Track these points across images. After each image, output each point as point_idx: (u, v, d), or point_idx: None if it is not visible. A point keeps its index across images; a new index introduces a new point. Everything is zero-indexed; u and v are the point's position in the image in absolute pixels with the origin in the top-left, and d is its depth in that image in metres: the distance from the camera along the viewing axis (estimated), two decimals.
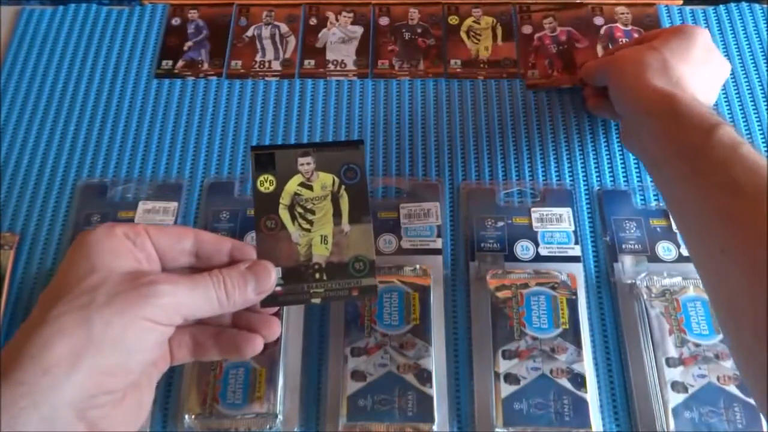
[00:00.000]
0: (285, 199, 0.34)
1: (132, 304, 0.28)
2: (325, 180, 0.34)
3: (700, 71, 0.45)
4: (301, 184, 0.34)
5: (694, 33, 0.46)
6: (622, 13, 0.59)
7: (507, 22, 0.59)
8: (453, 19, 0.60)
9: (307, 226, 0.34)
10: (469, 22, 0.59)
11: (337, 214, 0.34)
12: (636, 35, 0.58)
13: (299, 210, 0.34)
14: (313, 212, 0.34)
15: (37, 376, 0.26)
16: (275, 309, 0.36)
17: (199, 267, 0.33)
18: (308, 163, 0.34)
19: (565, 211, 0.49)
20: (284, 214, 0.34)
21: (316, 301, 0.33)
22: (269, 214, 0.34)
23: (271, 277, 0.33)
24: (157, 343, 0.30)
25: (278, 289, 0.33)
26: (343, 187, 0.34)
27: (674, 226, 0.48)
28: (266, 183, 0.34)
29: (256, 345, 0.34)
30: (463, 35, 0.58)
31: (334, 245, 0.34)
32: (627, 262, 0.47)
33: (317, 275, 0.34)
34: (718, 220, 0.34)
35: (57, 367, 0.26)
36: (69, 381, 0.26)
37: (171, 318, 0.30)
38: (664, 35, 0.46)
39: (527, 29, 0.59)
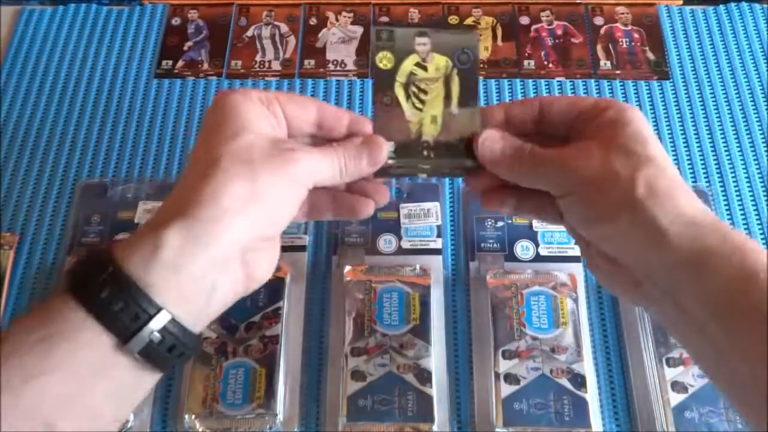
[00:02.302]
0: (401, 77, 0.35)
1: (283, 165, 0.30)
2: (439, 62, 0.35)
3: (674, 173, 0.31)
4: (417, 64, 0.35)
5: (642, 120, 0.32)
6: (622, 13, 0.59)
7: (507, 22, 0.59)
8: (453, 19, 0.60)
9: (420, 106, 0.35)
10: (469, 22, 0.59)
11: (447, 96, 0.35)
12: (636, 35, 0.58)
13: (413, 89, 0.35)
14: (425, 92, 0.35)
15: (218, 213, 0.28)
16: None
17: (320, 136, 0.35)
18: (424, 44, 0.35)
19: None
20: (399, 91, 0.35)
21: (423, 175, 0.36)
22: (385, 90, 0.35)
23: (383, 150, 0.34)
24: (300, 201, 0.32)
25: (390, 162, 0.35)
26: (455, 70, 0.35)
27: None
28: (384, 60, 0.35)
29: (369, 207, 0.36)
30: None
31: (443, 125, 0.35)
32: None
33: (425, 152, 0.35)
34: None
35: (233, 209, 0.29)
36: (243, 223, 0.29)
37: (309, 181, 0.32)
38: (623, 120, 0.32)
39: (524, 20, 0.59)
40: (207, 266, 0.28)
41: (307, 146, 0.33)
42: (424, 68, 0.35)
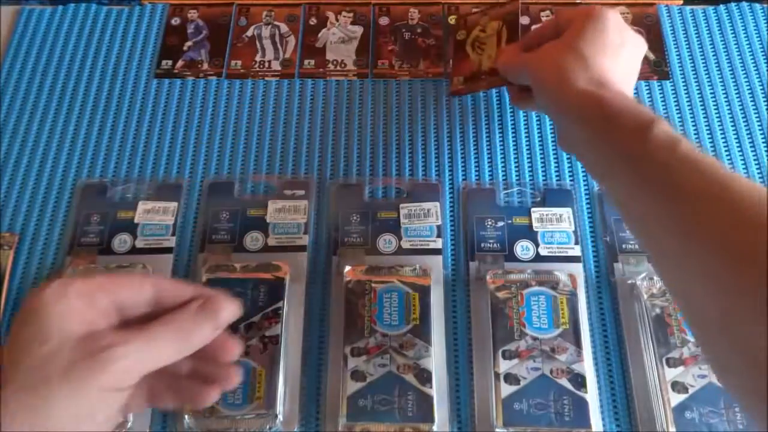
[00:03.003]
0: (469, 41, 0.54)
1: (88, 374, 0.27)
2: (493, 25, 0.52)
3: (619, 57, 0.42)
4: (480, 31, 0.53)
5: (604, 16, 0.42)
6: (622, 13, 0.59)
7: (513, 20, 0.58)
8: (453, 20, 0.59)
9: (480, 52, 0.52)
10: (475, 33, 0.58)
11: (498, 42, 0.51)
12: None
13: (477, 44, 0.53)
14: (484, 43, 0.52)
15: None
16: (235, 358, 0.35)
17: (160, 314, 0.32)
18: (485, 18, 0.54)
19: (565, 211, 0.49)
20: (469, 49, 0.53)
21: (483, 89, 0.54)
22: (461, 52, 0.53)
23: (227, 310, 0.33)
24: (118, 407, 0.29)
25: (462, 87, 0.52)
26: (504, 27, 0.52)
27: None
28: (461, 35, 0.54)
29: (212, 396, 0.34)
30: (469, 49, 0.57)
31: (493, 60, 0.51)
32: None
33: (483, 76, 0.51)
34: (664, 228, 0.33)
35: None
36: None
37: (130, 379, 0.29)
38: (575, 25, 0.43)
39: (525, 20, 0.59)
40: None
41: (129, 333, 0.30)
42: (484, 31, 0.53)
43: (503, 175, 0.51)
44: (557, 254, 0.47)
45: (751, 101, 0.55)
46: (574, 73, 0.40)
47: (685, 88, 0.56)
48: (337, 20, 0.60)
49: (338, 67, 0.57)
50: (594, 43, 0.41)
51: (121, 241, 0.48)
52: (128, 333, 0.30)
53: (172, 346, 0.31)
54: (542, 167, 0.52)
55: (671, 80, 0.56)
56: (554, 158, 0.52)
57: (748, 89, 0.55)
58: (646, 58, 0.57)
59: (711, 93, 0.55)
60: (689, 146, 0.34)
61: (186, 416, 0.41)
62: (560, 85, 0.40)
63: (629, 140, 0.35)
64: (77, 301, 0.30)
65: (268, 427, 0.41)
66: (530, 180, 0.51)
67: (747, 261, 0.28)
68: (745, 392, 0.29)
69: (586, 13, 0.43)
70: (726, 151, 0.52)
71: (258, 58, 0.58)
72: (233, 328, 0.43)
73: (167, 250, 0.48)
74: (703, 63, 0.57)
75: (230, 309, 0.33)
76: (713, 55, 0.57)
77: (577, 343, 0.42)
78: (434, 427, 0.41)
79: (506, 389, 0.41)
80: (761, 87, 0.55)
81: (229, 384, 0.35)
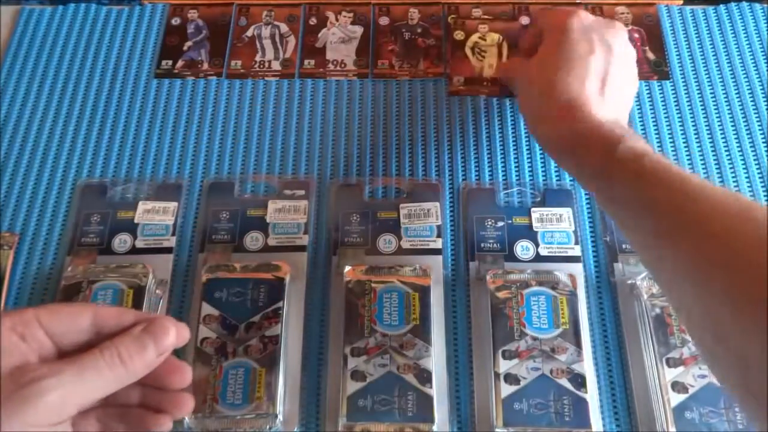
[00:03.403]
0: (469, 45, 0.57)
1: (16, 410, 0.26)
2: (493, 36, 0.58)
3: (588, 67, 0.41)
4: (480, 38, 0.57)
5: (568, 28, 0.42)
6: (622, 13, 0.59)
7: (513, 36, 0.58)
8: (453, 19, 0.59)
9: (480, 58, 0.57)
10: (474, 38, 0.58)
11: (500, 54, 0.57)
12: (636, 35, 0.58)
13: (477, 50, 0.57)
14: (485, 51, 0.57)
15: None
16: (185, 384, 0.35)
17: (101, 341, 0.31)
18: (484, 28, 0.58)
19: (565, 211, 0.49)
20: (468, 53, 0.57)
21: (484, 95, 0.55)
22: (459, 52, 0.57)
23: (170, 334, 0.32)
24: None
25: (462, 88, 0.55)
26: (504, 41, 0.57)
27: None
28: (459, 35, 0.58)
29: (165, 425, 0.33)
30: (468, 51, 0.58)
31: (496, 70, 0.56)
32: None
33: (485, 83, 0.55)
34: (638, 243, 0.36)
35: None
36: None
37: (62, 413, 0.28)
38: (545, 40, 0.44)
39: (525, 20, 0.59)
40: None
41: (60, 364, 0.29)
42: (484, 39, 0.57)
43: (503, 175, 0.51)
44: (557, 254, 0.47)
45: (751, 101, 0.55)
46: (544, 97, 0.41)
47: (685, 88, 0.56)
48: (337, 20, 0.60)
49: (338, 67, 0.57)
50: (559, 61, 0.41)
51: (121, 241, 0.48)
52: (61, 363, 0.29)
53: (110, 375, 0.30)
54: (542, 167, 0.52)
55: (671, 80, 0.56)
56: None
57: (748, 89, 0.55)
58: (646, 58, 0.57)
59: (711, 93, 0.55)
60: (655, 159, 0.34)
61: (186, 416, 0.41)
62: (531, 109, 0.43)
63: (596, 161, 0.37)
64: (8, 334, 0.29)
65: (268, 427, 0.41)
66: (530, 180, 0.51)
67: (717, 269, 0.29)
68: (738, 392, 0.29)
69: (552, 25, 0.44)
70: (726, 151, 0.52)
71: (258, 58, 0.58)
72: (233, 327, 0.43)
73: (167, 250, 0.48)
74: (703, 63, 0.57)
75: (174, 333, 0.32)
76: (713, 55, 0.57)
77: (577, 343, 0.42)
78: (434, 427, 0.41)
79: (506, 389, 0.41)
80: (761, 87, 0.55)
81: (181, 412, 0.34)
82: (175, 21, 0.61)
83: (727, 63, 0.57)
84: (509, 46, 0.57)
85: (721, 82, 0.56)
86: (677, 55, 0.57)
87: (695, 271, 0.30)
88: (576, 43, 0.42)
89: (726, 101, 0.55)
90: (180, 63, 0.58)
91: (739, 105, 0.54)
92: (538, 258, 0.47)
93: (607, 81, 0.42)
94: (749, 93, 0.55)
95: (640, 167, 0.34)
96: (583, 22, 0.43)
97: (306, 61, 0.58)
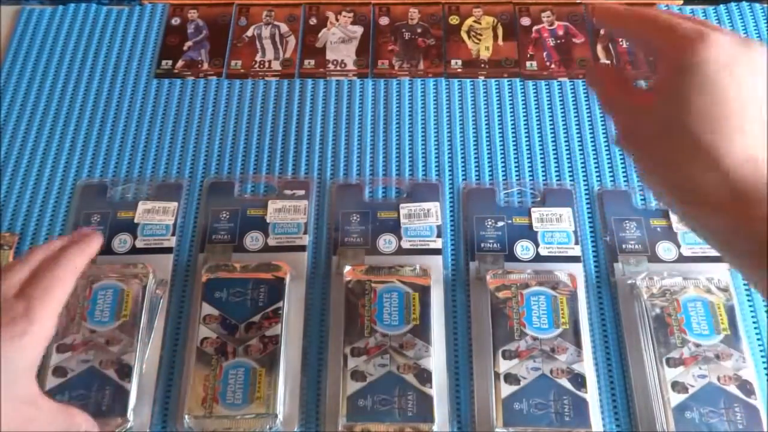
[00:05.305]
0: (464, 28, 0.59)
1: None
2: (488, 20, 0.59)
3: (745, 117, 0.28)
4: (475, 21, 0.59)
5: (704, 60, 0.28)
6: None
7: (508, 21, 0.59)
8: (453, 19, 0.60)
9: (477, 41, 0.58)
10: (469, 22, 0.59)
11: (495, 37, 0.58)
12: None
13: (472, 33, 0.58)
14: (481, 34, 0.58)
15: None
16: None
17: None
18: (478, 11, 0.60)
19: (565, 211, 0.49)
20: (464, 36, 0.58)
21: (482, 78, 0.56)
22: (455, 36, 0.58)
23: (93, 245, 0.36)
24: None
25: (460, 71, 0.56)
26: (500, 23, 0.59)
27: (674, 226, 0.48)
28: (454, 20, 0.59)
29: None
30: (464, 35, 0.59)
31: (492, 51, 0.57)
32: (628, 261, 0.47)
33: (482, 65, 0.56)
34: None
35: None
36: None
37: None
38: (667, 81, 0.29)
39: (525, 21, 0.59)
40: None
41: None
42: (479, 23, 0.59)
43: (503, 175, 0.51)
44: (557, 254, 0.47)
45: None
46: (696, 165, 0.28)
47: None
48: (337, 20, 0.60)
49: (338, 67, 0.57)
50: (704, 119, 0.28)
51: (121, 241, 0.48)
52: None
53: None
54: (542, 167, 0.52)
55: None
56: (554, 158, 0.52)
57: None
58: (645, 58, 0.57)
59: None
60: None
61: (186, 416, 0.41)
62: (672, 181, 0.30)
63: None
64: None
65: (268, 427, 0.41)
66: (530, 180, 0.51)
67: None
68: None
69: (674, 59, 0.29)
70: None
71: (258, 58, 0.58)
72: (233, 327, 0.43)
73: (167, 250, 0.48)
74: None
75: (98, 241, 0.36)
76: None
77: (577, 343, 0.42)
78: (434, 427, 0.41)
79: (506, 389, 0.41)
80: None
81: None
82: (175, 21, 0.61)
83: None
84: (505, 30, 0.59)
85: None
86: None
87: None
88: (725, 90, 0.28)
89: None
90: (180, 63, 0.58)
91: None
92: (538, 258, 0.47)
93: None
94: None
95: None
96: (726, 52, 0.28)
97: (306, 61, 0.58)
